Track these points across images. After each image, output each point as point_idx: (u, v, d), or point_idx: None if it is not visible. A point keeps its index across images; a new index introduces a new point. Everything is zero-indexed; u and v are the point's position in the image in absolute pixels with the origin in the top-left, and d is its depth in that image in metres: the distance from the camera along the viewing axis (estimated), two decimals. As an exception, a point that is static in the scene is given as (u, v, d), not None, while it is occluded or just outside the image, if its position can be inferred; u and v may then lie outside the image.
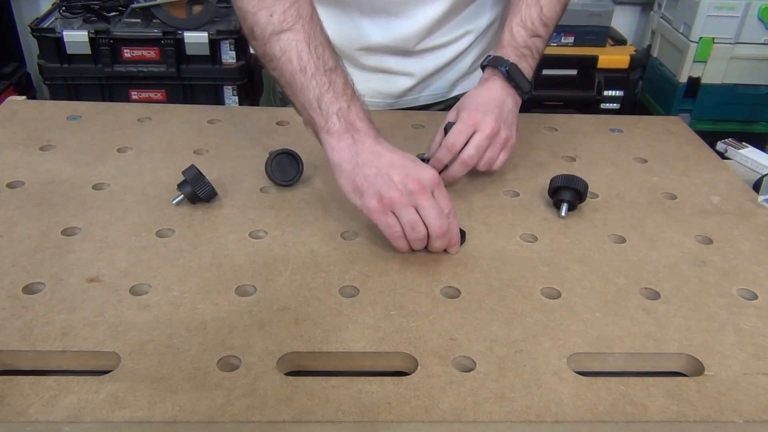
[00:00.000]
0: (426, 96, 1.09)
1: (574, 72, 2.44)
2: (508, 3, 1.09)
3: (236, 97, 2.36)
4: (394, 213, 0.69)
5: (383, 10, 0.96)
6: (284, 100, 1.12)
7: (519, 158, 0.93)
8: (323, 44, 0.75)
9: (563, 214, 0.81)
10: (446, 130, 0.83)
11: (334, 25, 0.79)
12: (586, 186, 0.81)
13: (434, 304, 0.66)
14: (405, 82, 1.05)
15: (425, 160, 0.83)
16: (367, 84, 0.95)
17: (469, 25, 1.04)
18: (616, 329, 0.63)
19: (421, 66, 1.04)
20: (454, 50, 1.04)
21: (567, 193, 0.80)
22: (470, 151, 0.81)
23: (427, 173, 0.70)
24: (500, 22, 1.09)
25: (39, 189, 0.81)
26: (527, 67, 0.88)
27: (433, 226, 0.69)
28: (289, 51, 0.74)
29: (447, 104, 1.11)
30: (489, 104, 0.83)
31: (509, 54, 0.88)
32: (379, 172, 0.69)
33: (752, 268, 0.73)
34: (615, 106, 2.48)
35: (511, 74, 0.86)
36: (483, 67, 0.90)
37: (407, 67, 1.03)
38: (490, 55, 0.89)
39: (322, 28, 0.77)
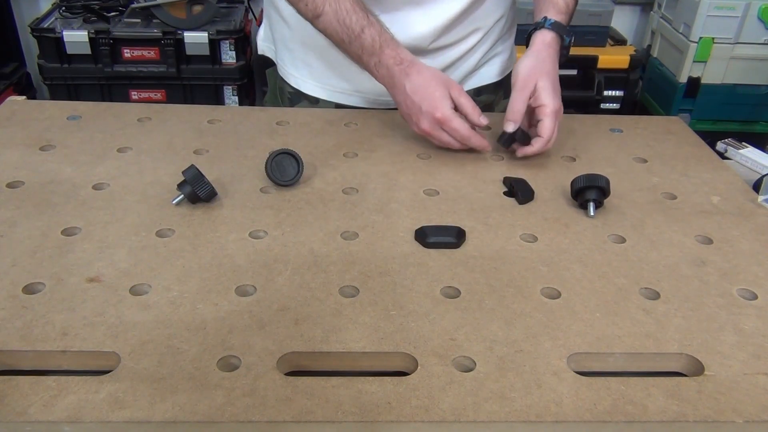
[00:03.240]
0: None
1: (573, 72, 2.44)
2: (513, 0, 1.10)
3: (236, 97, 2.36)
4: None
5: (401, 9, 0.97)
6: (292, 99, 1.12)
7: (519, 158, 0.93)
8: (350, 11, 0.88)
9: (592, 213, 0.81)
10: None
11: None
12: (607, 182, 0.81)
13: (434, 304, 0.66)
14: None
15: (509, 136, 0.92)
16: (374, 83, 0.95)
17: (479, 23, 1.04)
18: (616, 329, 0.63)
19: (430, 65, 1.04)
20: (462, 48, 1.05)
21: (592, 192, 0.81)
22: (554, 136, 0.91)
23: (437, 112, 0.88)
24: (506, 20, 1.09)
25: (39, 189, 0.81)
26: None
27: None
28: (327, 29, 0.91)
29: None
30: (557, 82, 0.91)
31: (566, 21, 0.93)
32: (407, 107, 0.91)
33: (752, 268, 0.73)
34: (615, 106, 2.48)
35: (569, 44, 0.94)
36: (536, 28, 0.94)
37: None
38: (547, 18, 0.93)
39: None
